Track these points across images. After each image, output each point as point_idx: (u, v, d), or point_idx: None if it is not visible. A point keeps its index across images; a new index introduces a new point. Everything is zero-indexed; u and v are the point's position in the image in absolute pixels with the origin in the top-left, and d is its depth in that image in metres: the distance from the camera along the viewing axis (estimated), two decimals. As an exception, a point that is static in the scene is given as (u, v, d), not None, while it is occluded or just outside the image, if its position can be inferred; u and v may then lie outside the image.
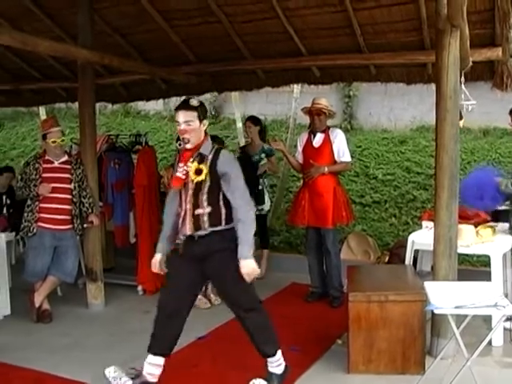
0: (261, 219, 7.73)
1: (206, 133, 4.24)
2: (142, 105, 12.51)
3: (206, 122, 4.17)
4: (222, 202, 4.16)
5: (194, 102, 4.11)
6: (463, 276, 4.93)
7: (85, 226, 6.33)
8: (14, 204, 7.90)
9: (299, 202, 6.60)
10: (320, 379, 4.61)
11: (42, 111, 11.89)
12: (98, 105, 7.23)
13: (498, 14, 5.56)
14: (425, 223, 6.13)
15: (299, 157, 6.73)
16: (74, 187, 6.14)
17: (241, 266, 3.99)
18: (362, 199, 9.49)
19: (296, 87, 9.47)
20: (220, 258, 4.13)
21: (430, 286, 4.15)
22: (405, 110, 11.05)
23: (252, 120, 7.77)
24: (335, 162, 6.50)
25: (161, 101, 10.97)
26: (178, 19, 6.88)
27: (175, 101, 12.27)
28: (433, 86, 5.01)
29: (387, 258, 7.57)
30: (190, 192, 4.14)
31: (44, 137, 6.13)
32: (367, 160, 10.15)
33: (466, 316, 3.99)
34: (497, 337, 5.12)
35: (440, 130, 4.78)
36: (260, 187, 7.58)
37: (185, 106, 4.12)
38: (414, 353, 4.58)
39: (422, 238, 5.81)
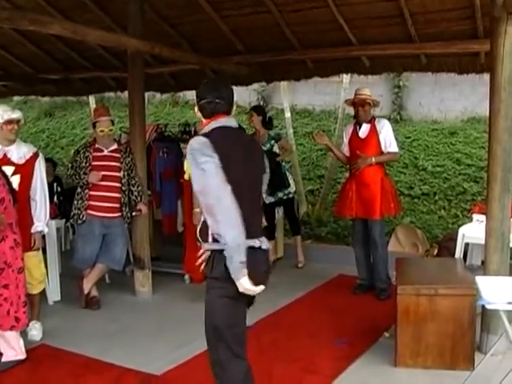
0: (289, 203, 7.76)
1: None
2: (190, 94, 12.54)
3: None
4: None
5: None
6: (515, 271, 4.84)
7: (133, 214, 6.38)
8: (64, 192, 8.03)
9: (346, 194, 6.53)
10: (366, 372, 4.57)
11: (92, 100, 12.06)
12: (146, 94, 7.27)
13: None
14: (475, 216, 6.03)
15: (345, 149, 6.66)
16: (123, 175, 6.20)
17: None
18: (411, 191, 9.39)
19: (345, 77, 9.40)
20: None
21: (482, 281, 4.08)
22: (456, 101, 10.87)
23: (255, 109, 7.80)
24: (382, 153, 6.41)
25: (209, 91, 11.00)
26: (228, 9, 6.87)
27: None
28: (485, 76, 4.91)
29: (436, 251, 7.46)
30: None
31: (94, 125, 6.22)
32: (416, 151, 10.03)
33: (517, 312, 3.90)
34: (549, 334, 5.01)
35: (493, 122, 4.67)
36: (283, 171, 7.69)
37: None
38: (463, 348, 4.49)
39: (472, 231, 5.72)
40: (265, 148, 7.50)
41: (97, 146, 6.18)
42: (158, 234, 7.90)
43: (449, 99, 10.97)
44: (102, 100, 12.88)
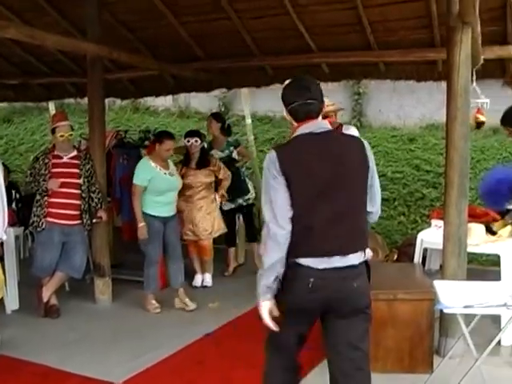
0: (248, 209, 7.80)
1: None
2: (150, 101, 12.49)
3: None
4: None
5: None
6: (472, 275, 4.91)
7: (93, 221, 6.32)
8: (22, 199, 7.91)
9: None
10: (325, 379, 4.57)
11: (52, 106, 11.89)
12: (106, 100, 7.23)
13: (509, 11, 5.55)
14: (434, 222, 6.10)
15: None
16: (83, 182, 6.14)
17: None
18: (371, 197, 9.45)
19: (305, 84, 9.42)
20: None
21: (439, 285, 4.12)
22: (414, 108, 11.00)
23: (214, 116, 7.86)
24: None
25: (170, 97, 11.00)
26: (188, 15, 6.86)
27: (184, 97, 12.38)
28: (442, 84, 4.98)
29: (395, 256, 7.54)
30: None
31: (53, 131, 6.14)
32: (376, 158, 9.91)
33: (474, 315, 3.96)
34: (506, 337, 5.09)
35: (450, 128, 4.74)
36: (242, 177, 7.75)
37: None
38: (421, 352, 4.55)
39: (431, 236, 5.79)
40: (223, 154, 7.53)
41: (56, 152, 6.10)
42: (118, 241, 7.84)
43: (408, 106, 11.09)
44: (62, 106, 12.71)
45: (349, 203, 3.03)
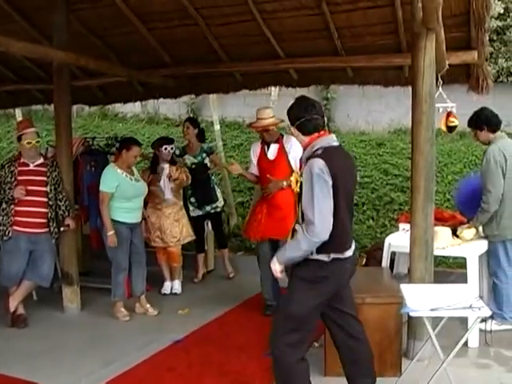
0: (216, 217, 7.78)
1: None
2: (119, 107, 12.45)
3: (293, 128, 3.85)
4: None
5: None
6: (439, 278, 4.97)
7: (61, 229, 6.26)
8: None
9: (255, 216, 6.27)
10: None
11: (19, 113, 11.76)
12: (74, 107, 7.19)
13: (473, 17, 5.61)
14: (402, 225, 6.14)
15: (254, 169, 6.40)
16: (50, 190, 6.08)
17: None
18: (340, 201, 9.49)
19: (274, 90, 9.46)
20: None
21: (406, 289, 4.16)
22: (382, 113, 11.11)
23: (190, 122, 7.85)
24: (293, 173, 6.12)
25: (138, 103, 10.95)
26: (155, 21, 6.85)
27: (152, 103, 12.35)
28: (410, 89, 5.03)
29: (364, 261, 7.57)
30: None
31: (19, 138, 6.07)
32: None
33: (442, 318, 4.00)
34: (472, 338, 5.16)
35: (416, 133, 4.80)
36: (212, 185, 7.72)
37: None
38: (390, 355, 4.59)
39: (398, 240, 5.83)
40: (196, 160, 7.51)
41: (22, 160, 6.04)
42: (86, 249, 7.79)
43: (376, 111, 11.19)
44: (30, 113, 12.60)
45: (352, 208, 3.91)
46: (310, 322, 3.81)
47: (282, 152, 6.16)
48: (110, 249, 6.13)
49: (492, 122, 5.66)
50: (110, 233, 6.06)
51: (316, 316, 3.87)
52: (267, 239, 6.16)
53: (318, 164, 3.53)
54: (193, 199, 7.60)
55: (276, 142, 6.23)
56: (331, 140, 3.79)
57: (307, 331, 3.84)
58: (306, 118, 3.71)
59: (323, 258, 3.68)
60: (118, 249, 6.11)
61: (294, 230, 3.83)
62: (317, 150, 3.66)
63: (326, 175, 3.52)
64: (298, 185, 3.77)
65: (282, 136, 6.30)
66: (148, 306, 6.41)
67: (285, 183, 5.95)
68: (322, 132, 3.80)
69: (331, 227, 3.56)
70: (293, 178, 3.92)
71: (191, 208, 7.60)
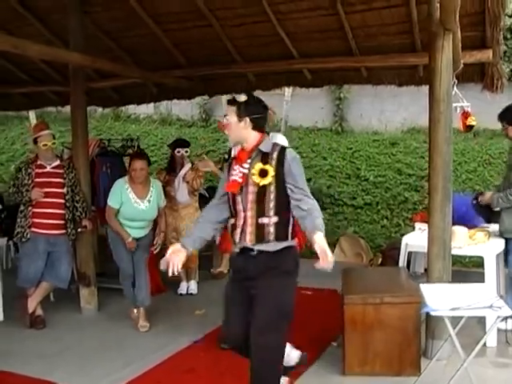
0: None
1: (262, 132, 3.81)
2: (132, 108, 12.49)
3: (247, 120, 3.67)
4: (289, 212, 3.65)
5: (240, 97, 3.69)
6: (455, 277, 4.96)
7: (78, 230, 6.29)
8: (5, 209, 7.86)
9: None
10: (316, 381, 4.61)
11: (32, 115, 11.86)
12: (88, 108, 7.20)
13: (488, 16, 5.60)
14: (417, 225, 6.15)
15: None
16: (67, 192, 6.11)
17: (315, 239, 3.33)
18: (354, 201, 9.52)
19: (287, 90, 9.49)
20: (272, 276, 3.62)
21: (426, 288, 4.16)
22: (395, 112, 11.10)
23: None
24: None
25: (151, 104, 10.99)
26: (170, 23, 6.87)
27: (165, 104, 12.39)
28: (423, 88, 5.03)
29: (380, 260, 7.59)
30: (251, 197, 3.62)
31: (35, 141, 6.10)
32: (358, 162, 10.18)
33: (460, 317, 3.99)
34: (491, 337, 5.14)
35: (433, 133, 4.79)
36: None
37: (228, 100, 3.77)
38: (409, 354, 4.58)
39: (415, 240, 5.83)
40: None
41: (39, 162, 6.07)
42: (103, 250, 7.80)
43: (389, 110, 11.19)
44: (42, 115, 12.67)
45: None
46: None
47: None
48: (115, 256, 6.08)
49: None
50: (129, 240, 5.90)
51: None
52: None
53: (296, 154, 3.78)
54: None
55: None
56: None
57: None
58: (262, 114, 3.81)
59: (295, 243, 3.78)
60: (121, 259, 6.03)
61: (261, 225, 3.60)
62: (275, 143, 3.83)
63: None
64: (269, 176, 3.57)
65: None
66: (141, 320, 6.01)
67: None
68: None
69: None
70: (254, 170, 3.60)
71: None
